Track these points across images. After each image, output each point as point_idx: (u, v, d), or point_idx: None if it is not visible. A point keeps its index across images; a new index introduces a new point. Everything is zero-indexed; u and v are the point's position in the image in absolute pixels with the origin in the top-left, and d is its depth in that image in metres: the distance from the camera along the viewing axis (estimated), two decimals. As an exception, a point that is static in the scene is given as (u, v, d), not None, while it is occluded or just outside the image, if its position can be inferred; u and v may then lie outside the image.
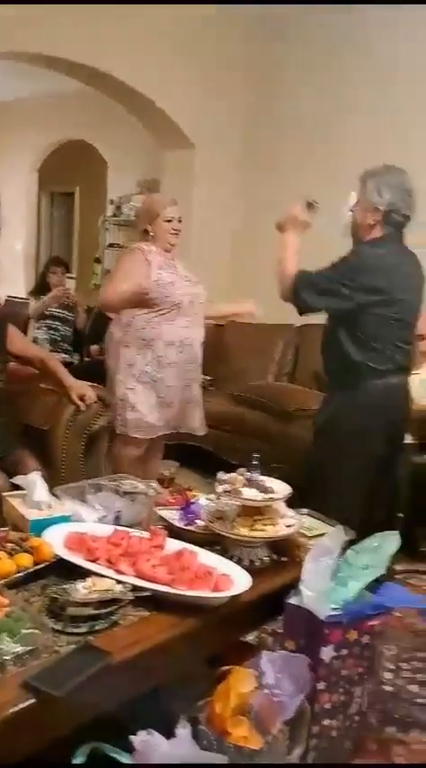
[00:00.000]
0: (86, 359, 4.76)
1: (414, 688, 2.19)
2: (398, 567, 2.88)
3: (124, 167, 5.97)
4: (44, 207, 8.06)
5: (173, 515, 2.01)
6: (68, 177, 7.40)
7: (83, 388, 2.75)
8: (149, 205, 2.97)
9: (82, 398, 2.73)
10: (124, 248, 3.14)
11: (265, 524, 1.81)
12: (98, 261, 6.27)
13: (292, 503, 1.97)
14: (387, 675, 2.21)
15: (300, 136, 4.52)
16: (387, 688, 2.16)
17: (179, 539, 1.87)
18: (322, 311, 2.46)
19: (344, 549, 1.88)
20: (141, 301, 2.79)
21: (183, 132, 4.58)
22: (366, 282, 2.31)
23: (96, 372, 3.26)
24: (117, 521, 1.93)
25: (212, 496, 2.08)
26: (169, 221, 2.86)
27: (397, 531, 1.93)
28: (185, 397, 2.94)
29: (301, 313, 2.48)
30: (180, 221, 2.90)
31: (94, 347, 4.50)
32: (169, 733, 1.46)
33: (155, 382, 2.83)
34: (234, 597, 1.60)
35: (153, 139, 4.89)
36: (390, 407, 2.45)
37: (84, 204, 7.41)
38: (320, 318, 4.42)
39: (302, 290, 2.39)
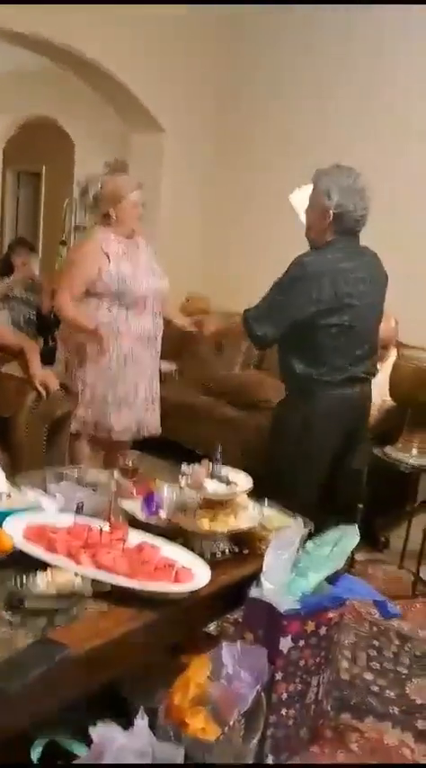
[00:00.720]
0: (52, 342, 4.68)
1: (369, 676, 2.25)
2: (358, 557, 2.93)
3: (92, 148, 5.86)
4: (9, 186, 7.90)
5: (135, 506, 2.00)
6: (35, 156, 7.25)
7: (46, 377, 2.71)
8: (113, 188, 2.77)
9: (44, 387, 2.69)
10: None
11: (227, 517, 1.82)
12: (64, 243, 6.18)
13: (255, 493, 1.98)
14: (344, 664, 2.27)
15: (271, 126, 4.49)
16: (344, 676, 2.21)
17: (141, 530, 1.86)
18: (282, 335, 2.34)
19: (305, 541, 1.90)
20: (99, 294, 2.71)
21: (154, 117, 4.51)
22: (312, 293, 2.23)
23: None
24: (78, 511, 1.91)
25: (175, 487, 2.08)
26: (134, 205, 2.76)
27: (356, 524, 1.96)
28: (146, 396, 2.89)
29: (259, 347, 2.45)
30: (143, 206, 2.80)
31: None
32: (128, 724, 1.46)
33: (116, 381, 2.77)
34: (194, 591, 1.61)
35: (122, 122, 4.81)
36: (344, 417, 2.40)
37: (50, 184, 7.27)
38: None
39: (257, 328, 2.31)
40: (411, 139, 3.86)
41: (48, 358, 3.02)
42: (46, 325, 4.80)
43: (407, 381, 2.80)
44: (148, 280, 2.77)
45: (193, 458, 3.16)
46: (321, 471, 2.42)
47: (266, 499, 2.03)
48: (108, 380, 2.76)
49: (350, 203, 2.26)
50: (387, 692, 2.16)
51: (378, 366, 2.68)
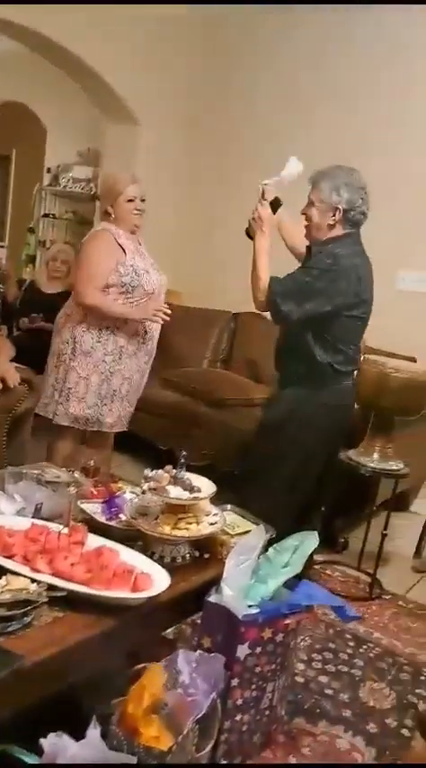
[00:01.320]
0: (18, 331, 4.60)
1: (324, 679, 2.27)
2: (316, 557, 2.96)
3: (64, 136, 5.75)
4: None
5: (95, 509, 1.98)
6: (5, 138, 7.07)
7: (6, 371, 2.66)
8: (111, 184, 2.75)
9: (3, 381, 2.63)
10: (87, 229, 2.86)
11: (189, 522, 1.81)
12: (32, 231, 6.05)
13: (218, 495, 1.97)
14: (300, 666, 2.29)
15: (246, 122, 4.48)
16: (299, 679, 2.23)
17: (100, 533, 1.85)
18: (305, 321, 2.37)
19: (266, 547, 1.91)
20: (107, 287, 2.66)
21: (129, 108, 4.44)
22: (342, 286, 2.31)
23: (26, 348, 3.16)
24: (37, 513, 1.88)
25: (137, 490, 2.06)
26: (131, 201, 2.71)
27: (316, 530, 1.97)
28: (139, 392, 2.87)
29: (279, 323, 2.43)
30: (143, 201, 2.74)
31: (25, 320, 4.35)
32: (81, 732, 1.45)
33: (111, 374, 2.73)
34: (152, 597, 1.60)
35: (97, 111, 4.72)
36: (345, 407, 2.52)
37: (20, 170, 7.10)
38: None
39: (282, 303, 2.31)
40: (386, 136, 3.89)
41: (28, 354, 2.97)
42: (11, 314, 4.71)
43: (370, 386, 2.82)
44: (156, 275, 2.77)
45: (156, 452, 3.16)
46: (319, 465, 2.49)
47: (229, 504, 2.03)
48: (103, 373, 2.73)
49: (357, 198, 2.36)
50: (341, 695, 2.19)
51: None
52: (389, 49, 3.85)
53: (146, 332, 2.77)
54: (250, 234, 2.48)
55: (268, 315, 2.45)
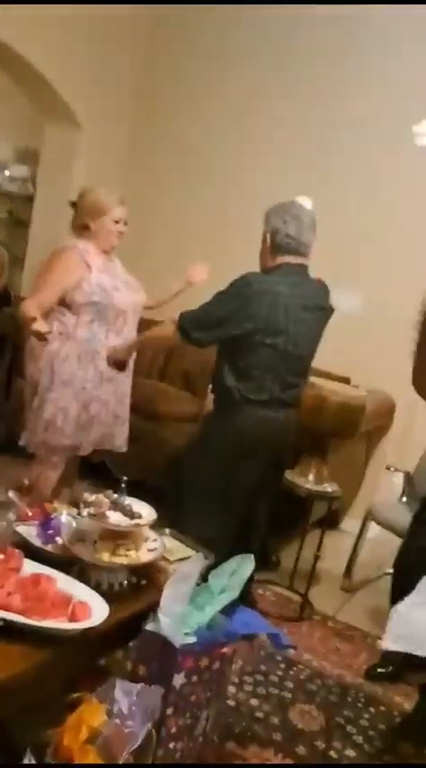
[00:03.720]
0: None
1: (255, 702, 2.29)
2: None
3: (1, 133, 5.60)
4: None
5: (30, 531, 1.93)
6: None
7: None
8: (95, 200, 2.65)
9: None
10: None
11: (128, 549, 1.78)
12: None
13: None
14: (231, 689, 2.30)
15: (188, 128, 4.50)
16: (230, 702, 2.24)
17: (35, 558, 1.79)
18: (214, 343, 2.46)
19: (205, 574, 1.91)
20: (75, 307, 2.56)
21: (70, 109, 4.36)
22: (252, 311, 2.32)
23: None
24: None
25: (73, 512, 2.02)
26: (116, 222, 2.65)
27: (254, 551, 1.99)
28: (117, 413, 2.78)
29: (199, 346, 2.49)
30: (125, 224, 2.69)
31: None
32: (17, 764, 1.41)
33: (90, 401, 2.63)
34: (91, 627, 1.57)
35: (35, 110, 4.61)
36: (264, 440, 2.47)
37: None
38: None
39: (192, 331, 2.38)
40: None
41: None
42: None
43: (309, 409, 2.87)
44: (128, 293, 2.68)
45: (87, 465, 3.10)
46: (243, 489, 2.48)
47: (168, 529, 2.02)
48: (82, 402, 2.62)
49: (280, 222, 2.39)
50: (271, 717, 2.22)
51: None
52: (341, 53, 3.95)
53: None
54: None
55: None
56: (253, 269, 2.48)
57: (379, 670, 2.55)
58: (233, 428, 2.44)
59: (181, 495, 2.54)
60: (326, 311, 2.57)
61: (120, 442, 2.87)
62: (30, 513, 2.03)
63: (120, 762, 1.53)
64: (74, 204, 2.73)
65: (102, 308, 2.58)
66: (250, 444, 2.45)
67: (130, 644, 1.92)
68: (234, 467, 2.45)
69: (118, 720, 1.58)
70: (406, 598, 1.89)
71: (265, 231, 2.44)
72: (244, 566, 1.94)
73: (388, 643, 1.95)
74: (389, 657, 2.54)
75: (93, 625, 1.57)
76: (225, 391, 2.43)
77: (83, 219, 2.66)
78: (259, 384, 2.40)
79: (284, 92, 4.12)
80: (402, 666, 2.53)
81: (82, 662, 1.70)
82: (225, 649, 1.80)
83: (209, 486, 2.45)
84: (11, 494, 2.13)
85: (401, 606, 1.85)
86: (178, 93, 4.55)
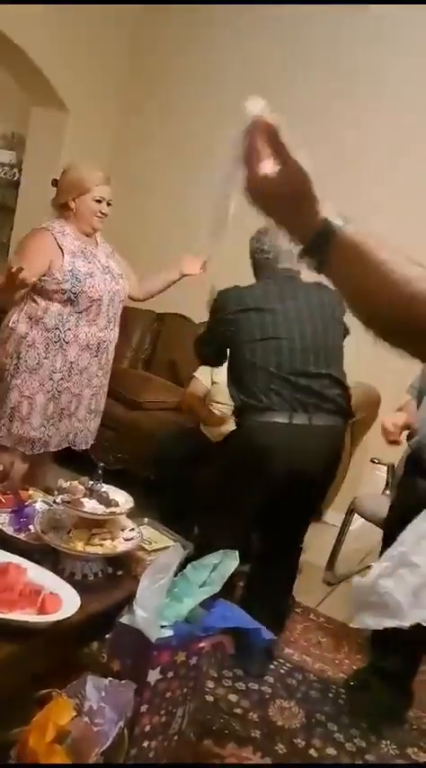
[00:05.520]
0: None
1: (234, 697, 2.23)
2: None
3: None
4: None
5: (2, 519, 1.85)
6: None
7: None
8: (78, 178, 2.49)
9: None
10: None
11: (104, 538, 1.72)
12: None
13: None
14: (209, 684, 2.23)
15: (175, 116, 4.41)
16: (208, 698, 2.18)
17: (7, 546, 1.72)
18: (223, 354, 2.49)
19: (183, 565, 1.84)
20: (45, 292, 2.42)
21: (58, 94, 4.26)
22: (219, 314, 2.39)
23: None
24: None
25: (49, 500, 1.94)
26: (99, 201, 2.49)
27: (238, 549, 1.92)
28: (90, 408, 2.64)
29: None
30: (109, 204, 2.53)
31: None
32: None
33: (59, 392, 2.50)
34: (61, 620, 1.49)
35: (22, 95, 4.50)
36: (268, 444, 2.25)
37: None
38: (179, 308, 4.37)
39: (200, 349, 2.63)
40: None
41: None
42: None
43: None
44: (105, 282, 2.51)
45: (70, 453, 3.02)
46: (253, 497, 2.35)
47: (146, 518, 1.95)
48: (49, 392, 2.48)
49: (254, 243, 2.46)
50: (250, 714, 2.16)
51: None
52: (329, 45, 3.89)
53: (98, 344, 2.55)
54: None
55: None
56: (245, 251, 2.49)
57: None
58: (239, 433, 2.43)
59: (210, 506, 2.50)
60: (325, 308, 2.41)
61: (90, 438, 2.72)
62: (3, 500, 1.95)
63: (90, 762, 1.46)
64: (55, 182, 2.60)
65: (72, 295, 2.43)
66: (252, 448, 2.28)
67: (103, 639, 1.86)
68: (242, 473, 2.35)
69: (87, 719, 1.51)
70: (371, 570, 1.87)
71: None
72: (227, 560, 1.87)
73: (362, 620, 1.89)
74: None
75: (63, 618, 1.49)
76: (234, 398, 2.43)
77: (63, 198, 2.52)
78: (258, 388, 2.28)
79: (276, 67, 4.03)
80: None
81: (52, 656, 1.63)
82: (202, 644, 1.72)
83: (224, 494, 2.40)
84: (-16, 481, 2.05)
85: (357, 579, 1.89)
86: (166, 74, 4.46)
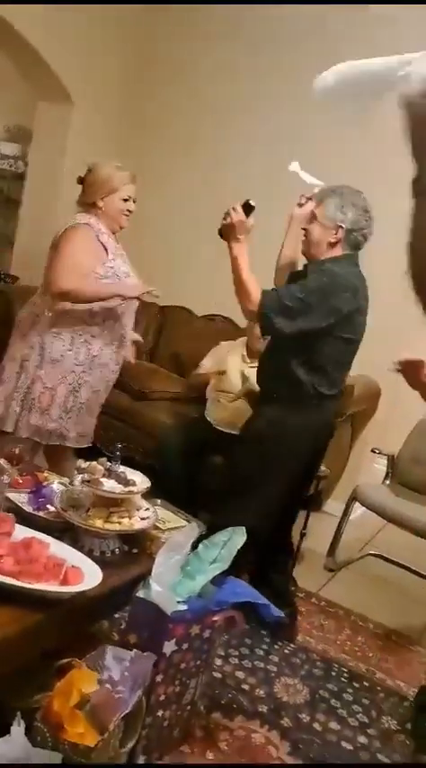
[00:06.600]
0: None
1: (241, 674, 2.30)
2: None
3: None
4: None
5: (21, 498, 1.92)
6: None
7: None
8: (107, 178, 2.50)
9: None
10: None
11: (121, 517, 1.79)
12: None
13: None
14: (217, 662, 2.31)
15: (181, 110, 4.46)
16: (216, 674, 2.25)
17: (27, 524, 1.79)
18: (301, 335, 2.28)
19: (196, 544, 1.91)
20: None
21: (63, 86, 4.31)
22: (336, 304, 2.23)
23: None
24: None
25: (65, 481, 2.01)
26: (126, 200, 2.52)
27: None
28: (101, 403, 2.67)
29: (269, 335, 2.36)
30: (134, 202, 2.55)
31: None
32: (5, 728, 1.40)
33: (80, 385, 2.52)
34: (84, 591, 1.56)
35: (28, 87, 4.54)
36: (322, 431, 2.46)
37: None
38: (182, 301, 4.41)
39: (274, 316, 2.22)
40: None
41: None
42: None
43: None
44: (133, 278, 2.57)
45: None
46: (296, 484, 2.47)
47: (159, 500, 2.02)
48: (71, 384, 2.51)
49: (362, 220, 2.31)
50: (257, 690, 2.23)
51: None
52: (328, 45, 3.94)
53: (121, 341, 2.58)
54: (222, 235, 2.34)
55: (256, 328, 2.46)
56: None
57: None
58: (308, 424, 2.38)
59: (229, 492, 2.48)
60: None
61: (92, 436, 2.73)
62: (21, 481, 2.02)
63: (110, 727, 1.53)
64: (81, 180, 2.59)
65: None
66: (321, 438, 2.47)
67: (117, 614, 1.93)
68: (297, 462, 2.42)
69: (108, 686, 1.59)
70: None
71: (338, 221, 2.30)
72: (235, 537, 1.94)
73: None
74: None
75: (85, 589, 1.56)
76: (299, 387, 2.34)
77: (91, 197, 2.52)
78: (332, 379, 2.35)
79: (280, 62, 4.08)
80: None
81: (72, 627, 1.70)
82: (215, 617, 1.80)
83: (262, 483, 2.39)
84: (1, 461, 2.11)
85: None
86: (171, 68, 4.50)
